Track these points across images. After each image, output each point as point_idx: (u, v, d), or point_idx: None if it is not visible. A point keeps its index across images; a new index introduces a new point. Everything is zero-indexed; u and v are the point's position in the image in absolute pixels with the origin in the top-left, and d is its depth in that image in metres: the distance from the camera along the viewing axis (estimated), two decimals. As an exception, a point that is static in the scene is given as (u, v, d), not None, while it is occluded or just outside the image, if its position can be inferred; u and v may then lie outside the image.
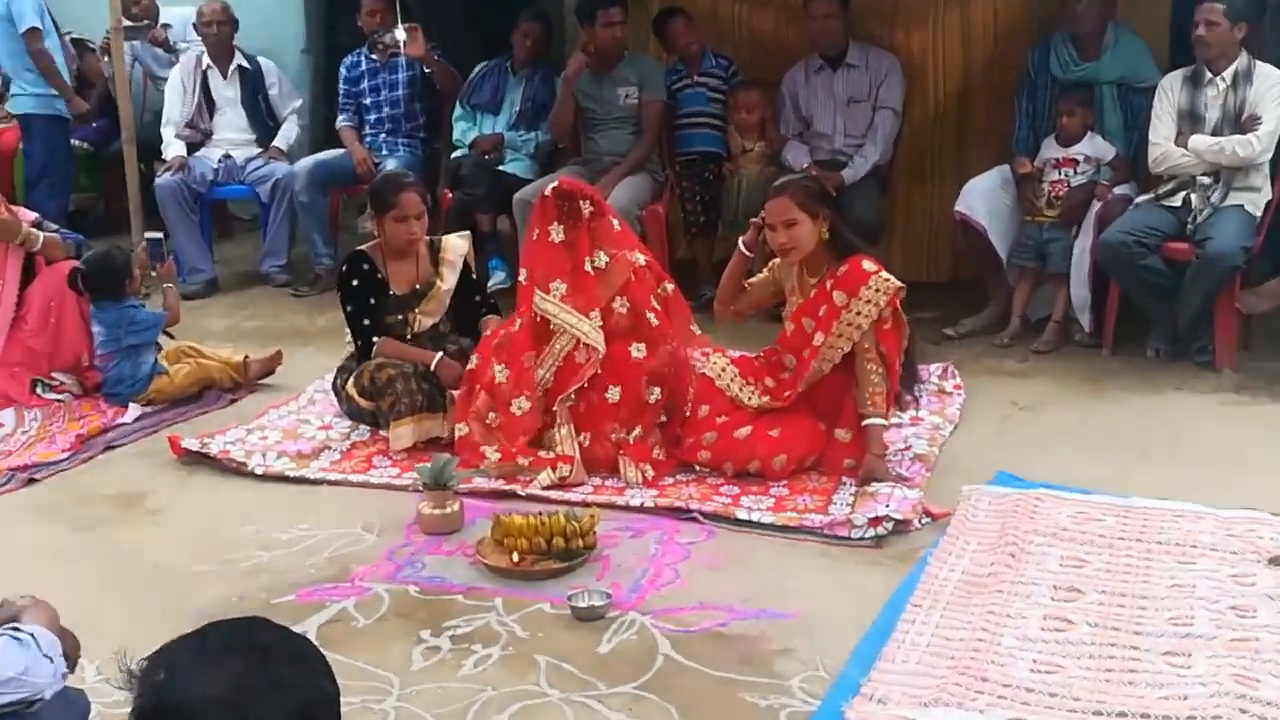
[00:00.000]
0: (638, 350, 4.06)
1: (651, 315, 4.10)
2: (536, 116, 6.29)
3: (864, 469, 3.82)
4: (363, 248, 4.49)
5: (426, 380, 4.23)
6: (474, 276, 4.64)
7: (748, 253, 4.13)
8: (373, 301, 4.36)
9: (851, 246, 3.94)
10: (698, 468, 3.98)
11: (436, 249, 4.53)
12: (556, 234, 4.09)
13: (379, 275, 4.40)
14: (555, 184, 4.21)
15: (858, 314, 3.81)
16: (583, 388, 4.01)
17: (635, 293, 4.11)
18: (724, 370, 4.15)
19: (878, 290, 3.80)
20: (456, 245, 4.57)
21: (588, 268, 4.09)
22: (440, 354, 4.30)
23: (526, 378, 4.04)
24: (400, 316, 4.40)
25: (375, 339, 4.34)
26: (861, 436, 3.87)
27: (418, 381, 4.20)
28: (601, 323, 4.05)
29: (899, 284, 3.83)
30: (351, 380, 4.31)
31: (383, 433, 4.27)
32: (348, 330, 4.48)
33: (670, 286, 4.26)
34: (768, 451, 3.87)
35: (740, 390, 4.09)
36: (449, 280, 4.49)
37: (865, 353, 3.82)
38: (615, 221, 4.25)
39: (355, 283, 4.38)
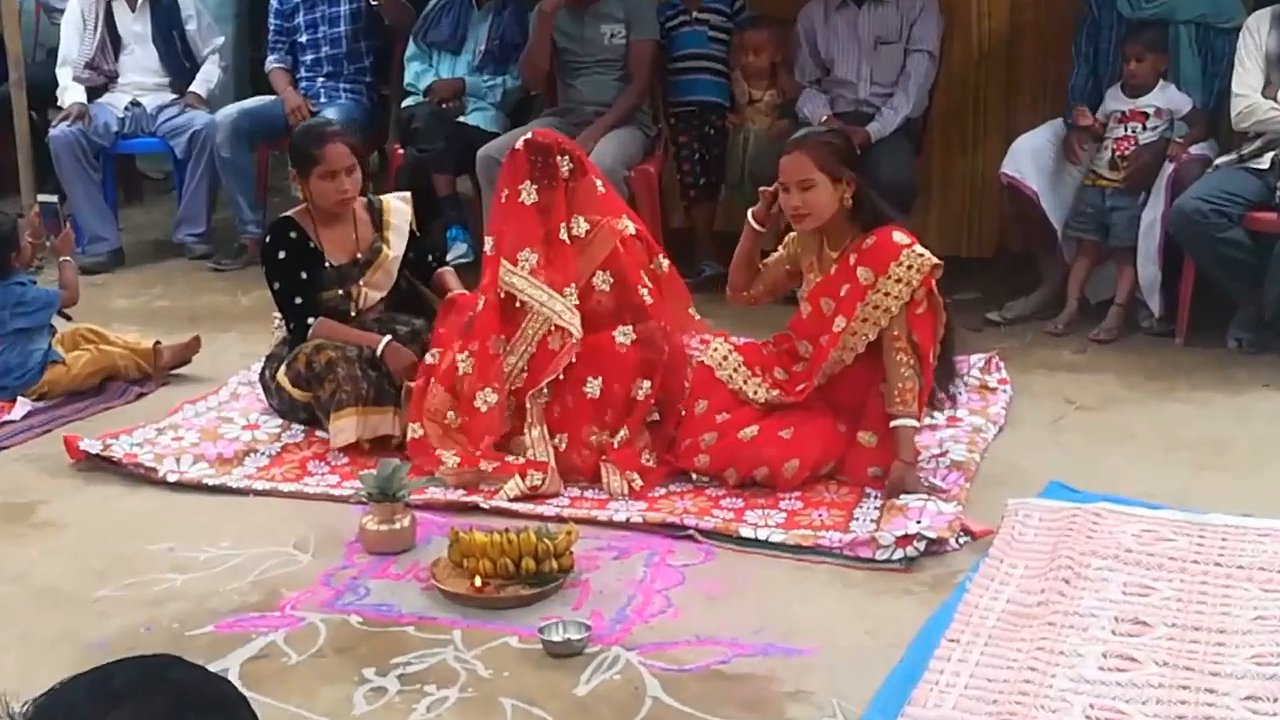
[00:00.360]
0: (623, 335, 4.06)
1: (644, 292, 4.10)
2: (505, 58, 6.28)
3: (891, 478, 3.82)
4: (289, 213, 4.49)
5: (374, 367, 4.23)
6: (419, 236, 4.64)
7: (758, 227, 4.13)
8: (305, 276, 4.36)
9: (881, 215, 3.94)
10: (695, 476, 3.98)
11: (379, 211, 4.54)
12: (528, 194, 4.08)
13: (310, 244, 4.40)
14: (528, 136, 4.20)
15: (886, 294, 3.81)
16: (557, 380, 4.01)
17: (623, 266, 4.11)
18: (726, 359, 4.15)
19: (910, 267, 3.80)
20: (399, 207, 4.59)
21: (563, 235, 4.08)
22: (388, 337, 4.30)
23: (493, 366, 4.04)
24: (341, 291, 4.41)
25: (310, 320, 4.33)
26: (889, 440, 3.88)
27: (363, 367, 4.20)
28: (579, 302, 4.05)
29: (935, 260, 3.83)
30: (283, 367, 4.30)
31: (320, 433, 4.26)
32: (276, 311, 4.47)
33: (665, 262, 4.26)
34: (778, 456, 3.88)
35: (745, 383, 4.09)
36: (396, 247, 4.50)
37: (894, 341, 3.82)
38: (599, 183, 4.25)
39: (282, 255, 4.38)
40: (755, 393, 4.06)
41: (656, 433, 4.08)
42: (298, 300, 4.36)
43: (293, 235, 4.39)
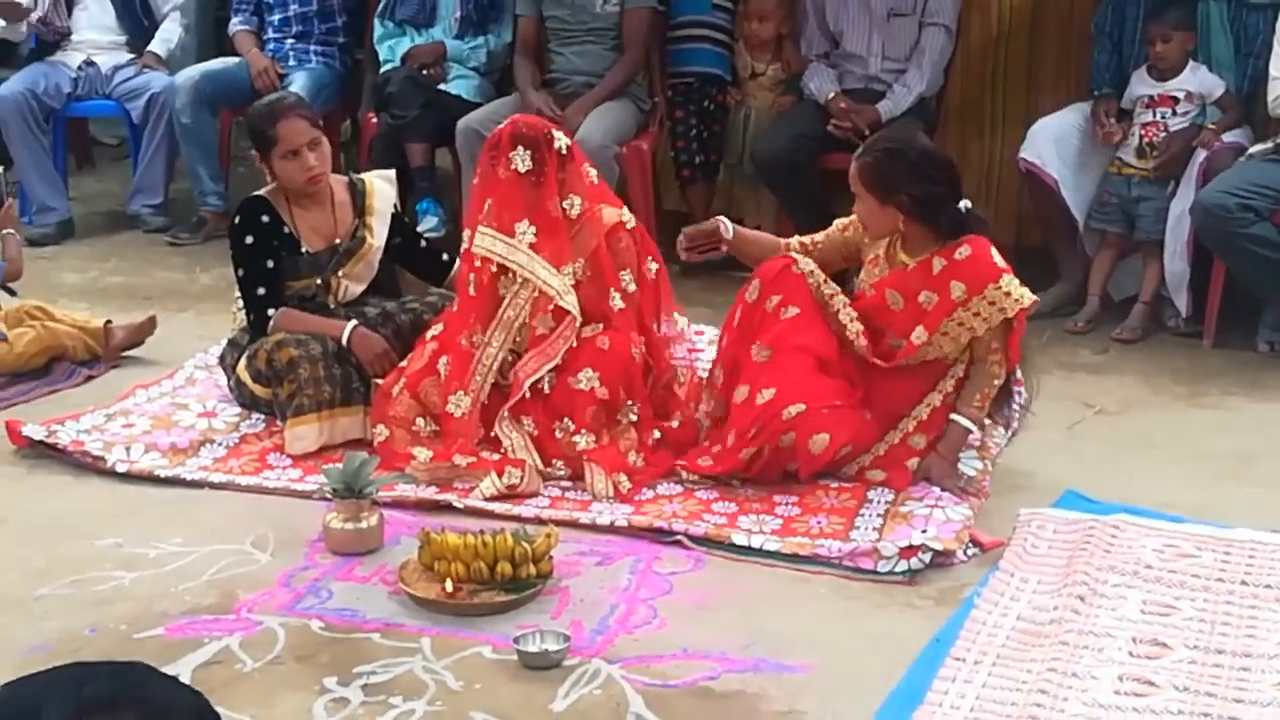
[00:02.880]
0: (591, 330, 4.10)
1: (617, 297, 4.13)
2: (484, 20, 6.27)
3: (925, 463, 3.91)
4: (261, 192, 4.44)
5: (342, 363, 4.21)
6: (405, 221, 4.62)
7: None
8: (271, 265, 4.32)
9: (962, 226, 3.94)
10: (685, 475, 3.98)
11: (361, 193, 4.49)
12: (521, 161, 4.07)
13: (284, 229, 4.36)
14: (507, 125, 4.16)
15: (976, 314, 3.87)
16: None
17: (602, 266, 4.12)
18: (814, 273, 4.03)
19: (1009, 294, 3.86)
20: (383, 189, 4.54)
21: (555, 212, 4.08)
22: (354, 322, 4.26)
23: (466, 365, 4.04)
24: (319, 281, 4.37)
25: (271, 312, 4.29)
26: (936, 443, 3.94)
27: (328, 366, 4.17)
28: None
29: (1033, 298, 3.90)
30: (244, 360, 4.29)
31: (281, 424, 4.25)
32: (239, 293, 4.45)
33: (655, 266, 4.26)
34: (809, 427, 3.85)
35: (848, 321, 3.99)
36: (379, 235, 4.45)
37: (991, 353, 3.92)
38: (592, 173, 4.24)
39: (250, 239, 4.33)
40: (854, 332, 3.97)
41: (647, 431, 4.08)
42: (260, 290, 4.30)
43: (264, 219, 4.34)
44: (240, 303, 4.45)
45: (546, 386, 4.05)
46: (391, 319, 4.33)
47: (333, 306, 4.37)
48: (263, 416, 4.33)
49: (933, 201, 3.91)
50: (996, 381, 3.94)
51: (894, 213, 3.93)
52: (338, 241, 4.41)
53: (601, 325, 4.11)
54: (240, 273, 4.35)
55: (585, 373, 4.03)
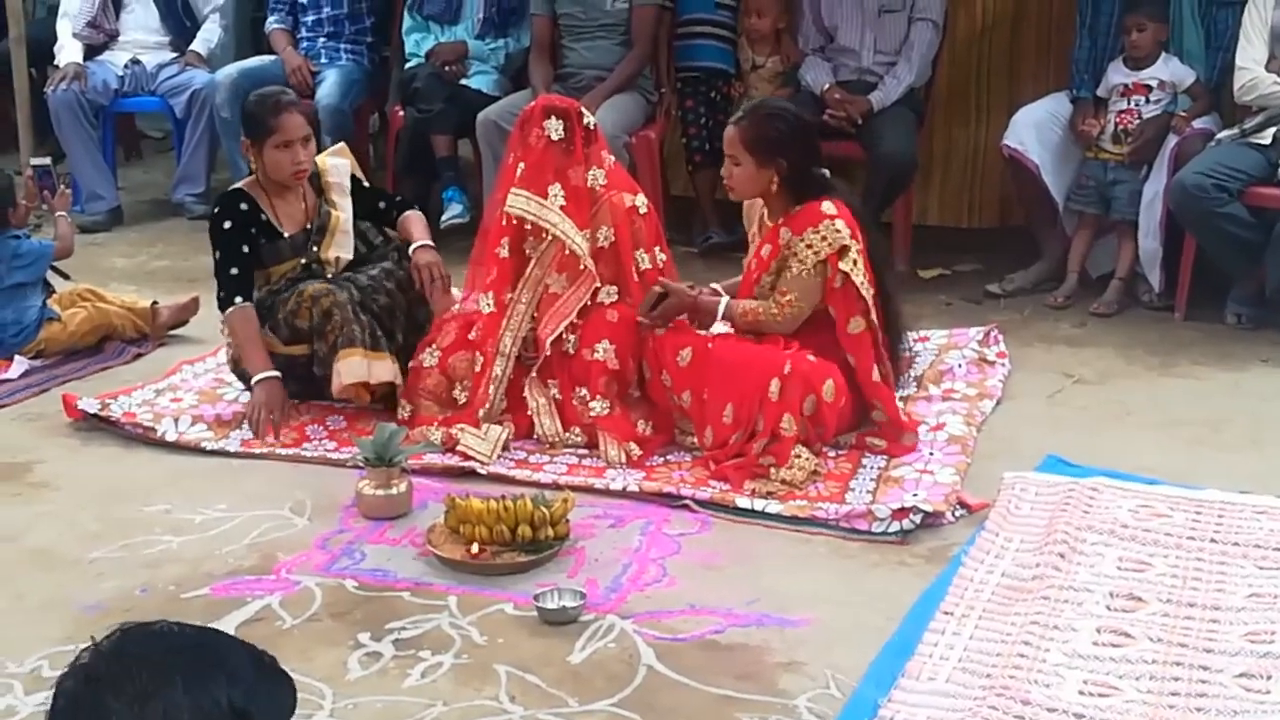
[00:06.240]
0: (606, 295, 4.08)
1: (633, 270, 4.11)
2: (505, 23, 6.24)
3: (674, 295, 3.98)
4: (239, 185, 4.34)
5: (365, 311, 4.13)
6: (366, 185, 4.53)
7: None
8: (246, 250, 4.21)
9: (823, 189, 3.96)
10: (690, 439, 3.97)
11: (315, 175, 4.37)
12: (554, 130, 4.04)
13: (263, 216, 4.26)
14: (540, 100, 4.16)
15: (793, 255, 3.88)
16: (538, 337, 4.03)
17: (624, 237, 4.10)
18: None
19: (824, 237, 3.85)
20: (336, 165, 4.44)
21: (579, 181, 4.06)
22: (269, 374, 4.10)
23: (495, 324, 4.04)
24: (303, 261, 4.29)
25: (238, 300, 4.16)
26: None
27: (355, 310, 4.10)
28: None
29: (846, 240, 3.86)
30: (267, 332, 4.18)
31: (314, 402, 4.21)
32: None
33: (663, 257, 4.24)
34: (813, 380, 3.78)
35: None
36: (344, 207, 4.37)
37: (782, 296, 3.91)
38: (611, 158, 4.23)
39: (228, 224, 4.22)
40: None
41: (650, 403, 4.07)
42: (234, 270, 4.19)
43: (243, 206, 4.25)
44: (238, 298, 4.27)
45: (570, 347, 4.04)
46: (392, 275, 4.27)
47: (329, 277, 4.26)
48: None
49: (806, 165, 3.95)
50: (775, 322, 3.90)
51: (770, 175, 3.93)
52: (309, 225, 4.31)
53: (617, 289, 4.10)
54: (216, 255, 4.22)
55: (602, 344, 4.02)
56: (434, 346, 4.14)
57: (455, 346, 4.12)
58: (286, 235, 4.29)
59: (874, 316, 3.93)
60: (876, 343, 3.95)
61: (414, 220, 4.44)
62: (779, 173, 3.93)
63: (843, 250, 3.86)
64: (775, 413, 3.73)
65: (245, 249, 4.22)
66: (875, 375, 3.92)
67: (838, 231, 3.85)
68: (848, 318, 3.91)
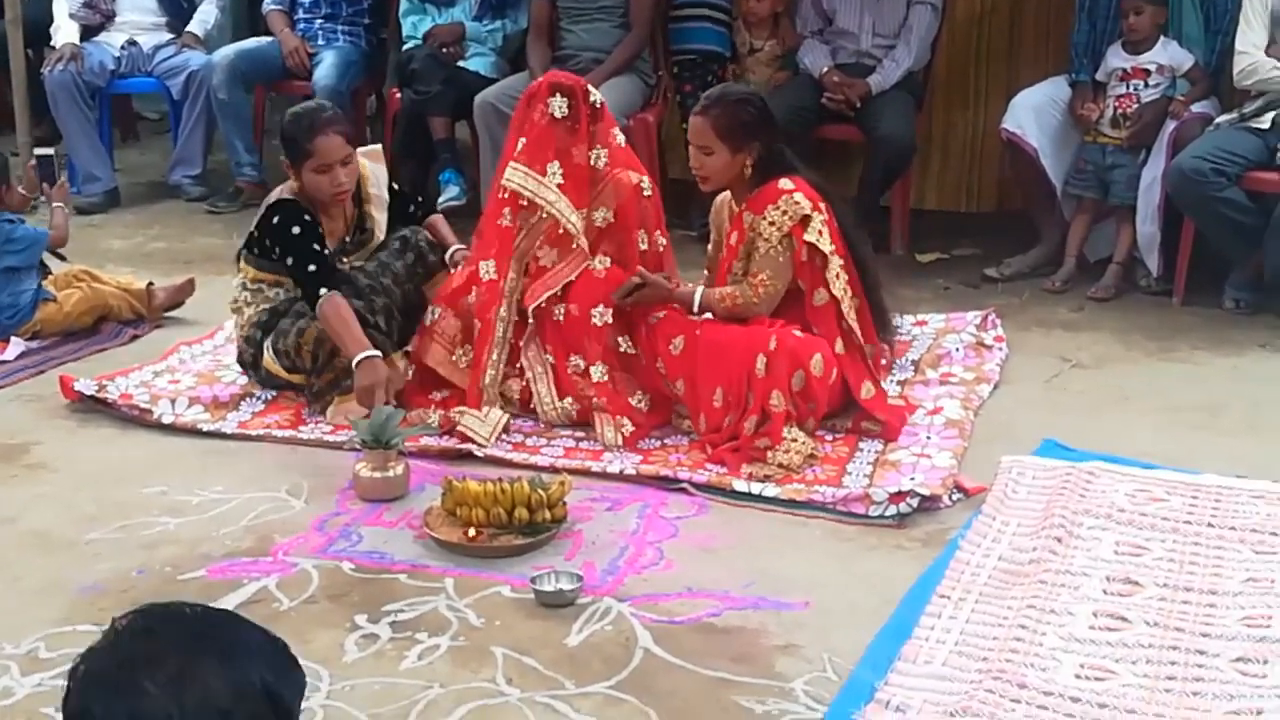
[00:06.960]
0: (599, 262, 4.06)
1: (644, 239, 4.09)
2: (503, 4, 6.23)
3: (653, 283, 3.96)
4: (288, 195, 4.12)
5: (365, 325, 4.00)
6: (395, 187, 4.42)
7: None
8: (317, 247, 4.04)
9: (785, 168, 3.96)
10: (685, 421, 3.96)
11: (357, 185, 4.22)
12: (558, 107, 4.03)
13: (319, 228, 4.09)
14: (546, 76, 4.17)
15: (757, 234, 3.88)
16: (538, 308, 4.02)
17: (629, 214, 4.09)
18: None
19: (784, 212, 3.86)
20: (377, 174, 4.32)
21: (582, 160, 4.05)
22: (372, 352, 3.90)
23: (494, 291, 4.03)
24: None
25: (323, 290, 3.96)
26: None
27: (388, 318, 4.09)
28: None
29: (806, 210, 3.86)
30: (269, 354, 4.08)
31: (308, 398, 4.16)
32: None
33: (663, 241, 4.22)
34: (800, 354, 3.79)
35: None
36: (381, 223, 4.28)
37: (755, 278, 3.90)
38: (620, 136, 4.21)
39: (297, 229, 4.02)
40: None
41: (638, 369, 4.05)
42: (312, 267, 3.99)
43: (306, 216, 4.05)
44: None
45: (559, 316, 4.03)
46: (387, 270, 4.19)
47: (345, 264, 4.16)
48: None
49: (776, 148, 3.96)
50: (753, 304, 3.89)
51: (744, 160, 3.93)
52: (347, 239, 4.23)
53: (609, 259, 4.08)
54: (289, 260, 4.03)
55: (598, 309, 4.01)
56: (438, 307, 4.14)
57: (464, 290, 4.10)
58: (327, 251, 4.09)
59: (839, 287, 3.91)
60: (840, 314, 3.93)
61: (441, 222, 4.45)
62: (752, 156, 3.92)
63: (805, 220, 3.87)
64: (764, 389, 3.74)
65: (316, 246, 4.03)
66: (839, 348, 3.91)
67: (797, 204, 3.86)
68: (813, 290, 3.92)
